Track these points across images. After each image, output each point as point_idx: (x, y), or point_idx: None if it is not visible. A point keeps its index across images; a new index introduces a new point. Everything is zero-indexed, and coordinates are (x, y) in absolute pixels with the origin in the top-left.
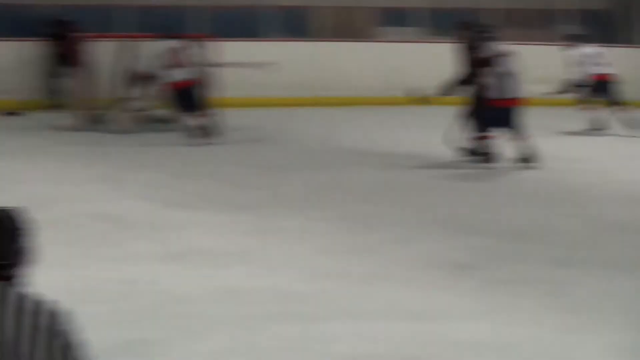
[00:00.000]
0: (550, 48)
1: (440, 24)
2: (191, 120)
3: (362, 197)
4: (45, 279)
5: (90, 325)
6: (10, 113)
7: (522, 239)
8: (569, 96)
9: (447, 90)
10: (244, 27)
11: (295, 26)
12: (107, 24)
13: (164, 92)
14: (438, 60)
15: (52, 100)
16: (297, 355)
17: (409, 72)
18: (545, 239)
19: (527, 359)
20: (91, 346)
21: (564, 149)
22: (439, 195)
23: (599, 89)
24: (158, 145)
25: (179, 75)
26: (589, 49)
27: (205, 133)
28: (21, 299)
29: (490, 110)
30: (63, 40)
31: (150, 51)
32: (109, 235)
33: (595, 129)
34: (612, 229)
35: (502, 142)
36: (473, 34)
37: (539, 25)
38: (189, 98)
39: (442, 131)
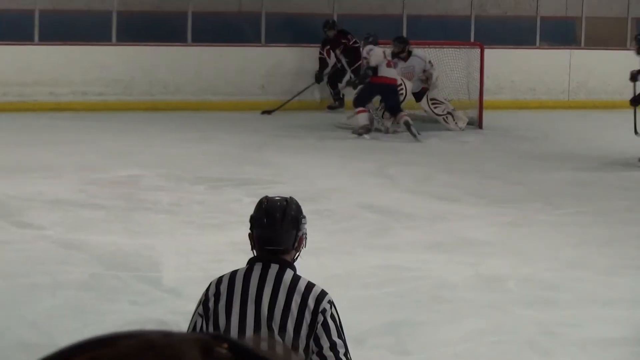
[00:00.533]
0: None
1: None
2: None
3: (617, 194)
4: (319, 263)
5: (358, 307)
6: (267, 112)
7: None
8: None
9: None
10: (502, 35)
11: (562, 35)
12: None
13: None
14: None
15: (332, 102)
16: (545, 338)
17: None
18: None
19: None
20: (359, 326)
21: None
22: None
23: None
24: (423, 143)
25: (384, 72)
26: None
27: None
28: (295, 280)
29: None
30: (339, 47)
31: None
32: (379, 225)
33: None
34: None
35: None
36: None
37: None
38: (367, 95)
39: None
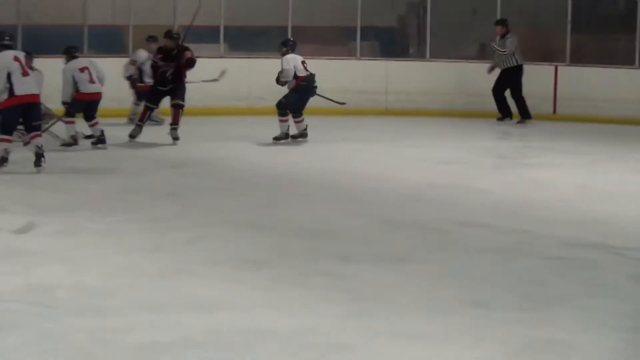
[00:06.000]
0: None
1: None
2: None
3: (163, 201)
4: None
5: None
6: None
7: (313, 237)
8: None
9: None
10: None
11: (111, 44)
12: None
13: None
14: None
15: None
16: (96, 346)
17: None
18: (334, 236)
19: (314, 344)
20: None
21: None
22: (235, 197)
23: None
24: None
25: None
26: None
27: None
28: None
29: None
30: None
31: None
32: None
33: None
34: (387, 225)
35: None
36: None
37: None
38: None
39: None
